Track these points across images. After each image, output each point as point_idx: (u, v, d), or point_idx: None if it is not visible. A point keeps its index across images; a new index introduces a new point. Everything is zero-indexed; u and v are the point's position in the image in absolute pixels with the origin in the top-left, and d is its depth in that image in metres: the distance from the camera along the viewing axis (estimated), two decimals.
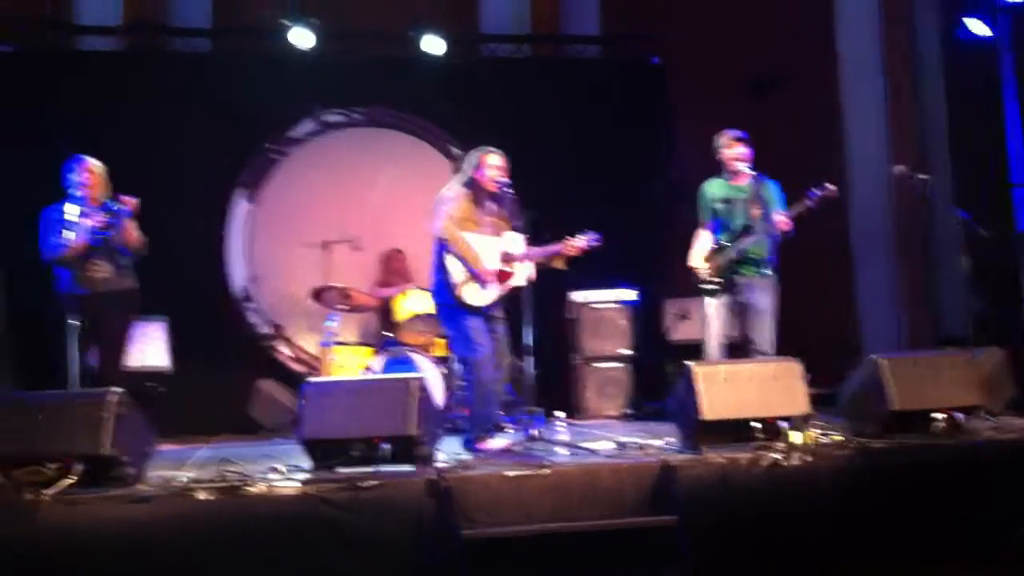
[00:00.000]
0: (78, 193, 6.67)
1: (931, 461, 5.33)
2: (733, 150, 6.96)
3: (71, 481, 4.71)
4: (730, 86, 10.35)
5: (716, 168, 7.13)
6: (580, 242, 6.61)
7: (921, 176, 7.18)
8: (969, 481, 5.28)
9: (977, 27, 9.12)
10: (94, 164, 6.80)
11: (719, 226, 7.04)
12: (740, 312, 6.92)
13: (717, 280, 6.93)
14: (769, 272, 6.83)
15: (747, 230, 6.88)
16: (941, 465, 5.31)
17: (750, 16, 10.56)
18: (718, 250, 6.99)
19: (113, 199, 6.72)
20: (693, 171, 7.30)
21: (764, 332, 6.74)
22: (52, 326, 6.59)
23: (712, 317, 6.94)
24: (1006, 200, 9.11)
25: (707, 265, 6.96)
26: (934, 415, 5.48)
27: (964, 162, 10.01)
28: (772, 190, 6.93)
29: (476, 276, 6.27)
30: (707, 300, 7.00)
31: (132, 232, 6.77)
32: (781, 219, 6.68)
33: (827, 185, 6.64)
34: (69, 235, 6.46)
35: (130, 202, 6.61)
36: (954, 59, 10.11)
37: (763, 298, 6.82)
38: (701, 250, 7.05)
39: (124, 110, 9.20)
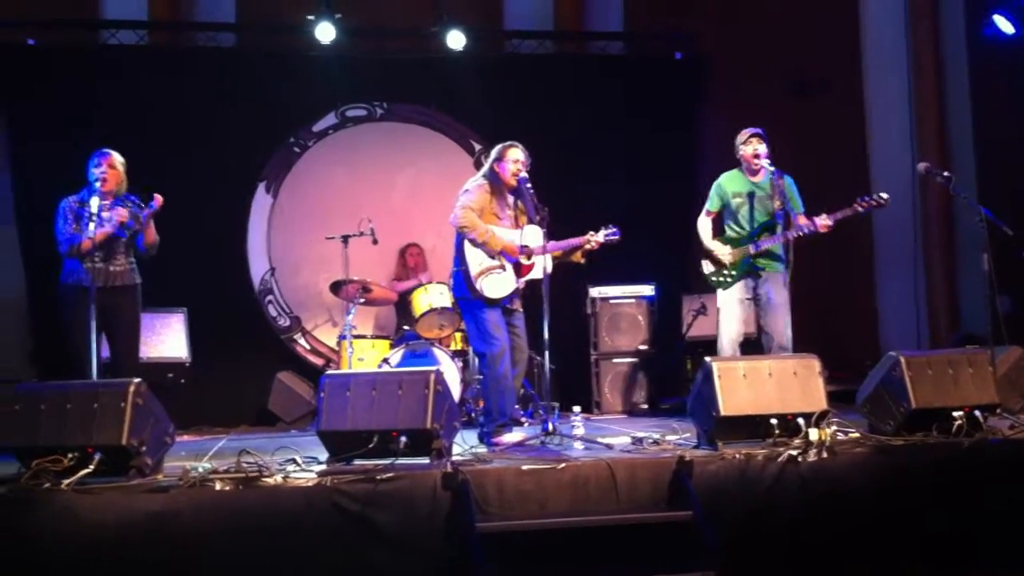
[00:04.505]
0: (98, 186, 6.69)
1: (950, 459, 5.30)
2: (751, 146, 6.98)
3: (89, 471, 4.73)
4: (759, 84, 10.33)
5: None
6: (600, 237, 6.64)
7: (945, 173, 7.14)
8: (988, 480, 5.25)
9: (1003, 24, 9.03)
10: (116, 158, 6.82)
11: (733, 219, 7.08)
12: (757, 306, 6.95)
13: (732, 273, 6.96)
14: (783, 266, 6.84)
15: (767, 226, 6.90)
16: (960, 463, 5.28)
17: (778, 14, 10.53)
18: (733, 242, 7.01)
19: (141, 196, 6.78)
20: (721, 167, 7.30)
21: (781, 325, 6.76)
22: (68, 318, 6.62)
23: (728, 311, 6.96)
24: None
25: (729, 253, 6.98)
26: (953, 413, 5.43)
27: (989, 160, 9.94)
28: (791, 186, 6.94)
29: (501, 255, 6.30)
30: (720, 293, 7.03)
31: (152, 230, 6.82)
32: (824, 222, 6.74)
33: (881, 195, 6.74)
34: (91, 227, 6.47)
35: (158, 200, 6.65)
36: (979, 56, 10.04)
37: (779, 291, 6.84)
38: (712, 237, 7.11)
39: (148, 104, 9.27)
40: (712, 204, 7.18)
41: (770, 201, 6.91)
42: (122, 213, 6.66)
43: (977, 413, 5.48)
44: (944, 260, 10.30)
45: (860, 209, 6.78)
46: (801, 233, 6.77)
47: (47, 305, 7.60)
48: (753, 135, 6.99)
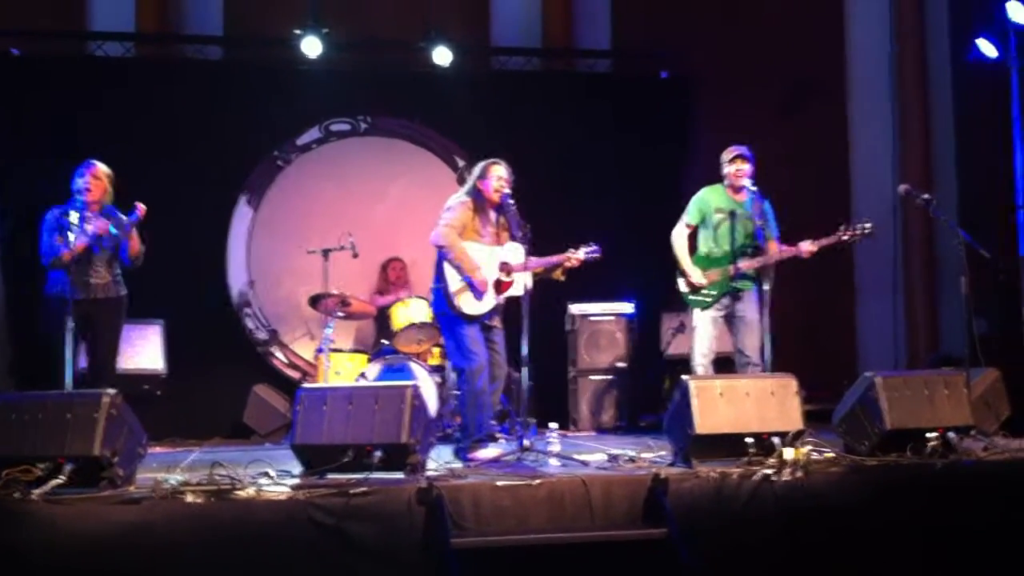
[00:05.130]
0: (80, 197, 6.69)
1: (923, 480, 5.32)
2: (735, 166, 7.00)
3: (60, 481, 4.70)
4: (747, 103, 10.37)
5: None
6: (580, 254, 6.64)
7: (925, 196, 7.20)
8: (961, 501, 5.27)
9: (986, 48, 9.10)
10: (100, 169, 6.81)
11: (711, 236, 7.08)
12: (731, 324, 6.98)
13: (712, 293, 6.97)
14: (755, 285, 6.86)
15: (745, 248, 6.91)
16: (933, 484, 5.30)
17: (767, 34, 10.58)
18: (711, 261, 7.02)
19: (124, 208, 6.76)
20: (709, 185, 7.34)
21: (755, 343, 6.79)
22: (47, 329, 6.59)
23: (702, 329, 6.98)
24: (1010, 222, 9.08)
25: (704, 277, 6.99)
26: (927, 434, 5.45)
27: (970, 183, 10.00)
28: (769, 210, 6.97)
29: (471, 285, 6.28)
30: (696, 312, 7.04)
31: (135, 240, 6.81)
32: (808, 248, 6.79)
33: (866, 225, 6.80)
34: (70, 238, 6.46)
35: (141, 209, 6.63)
36: (963, 80, 10.11)
37: (753, 310, 6.87)
38: (687, 255, 7.11)
39: (133, 116, 9.27)
40: (691, 217, 7.16)
41: (750, 222, 6.93)
42: (101, 225, 6.65)
43: (951, 435, 5.50)
44: (924, 281, 10.34)
45: (845, 238, 6.82)
46: (782, 259, 6.79)
47: (26, 316, 7.58)
48: (738, 155, 7.01)
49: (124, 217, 6.74)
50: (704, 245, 7.12)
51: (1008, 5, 8.58)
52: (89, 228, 6.65)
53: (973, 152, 10.04)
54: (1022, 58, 9.06)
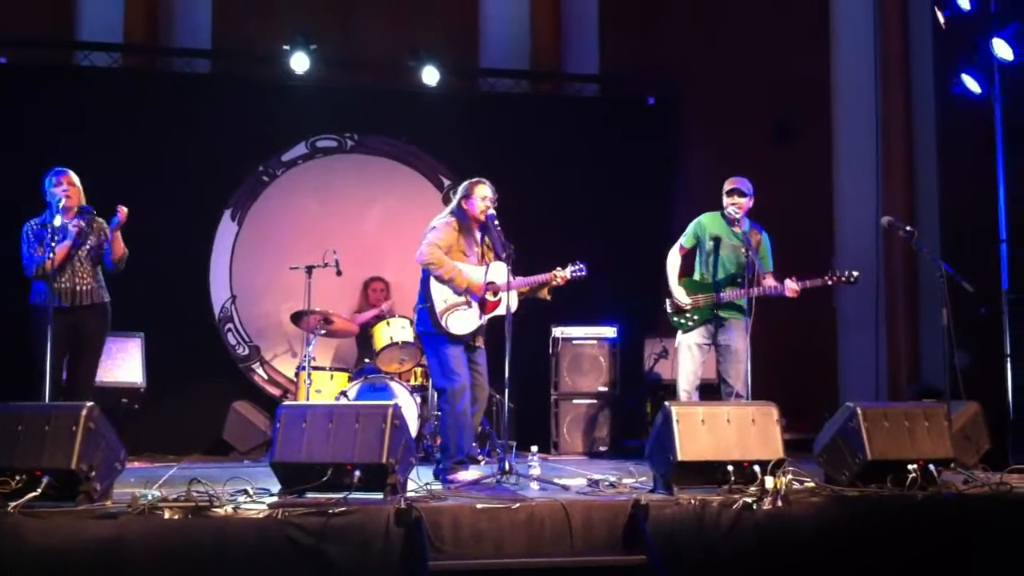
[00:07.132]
0: (60, 204, 6.63)
1: (903, 511, 5.32)
2: (731, 199, 7.02)
3: (36, 494, 4.65)
4: (732, 130, 10.40)
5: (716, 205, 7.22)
6: (567, 273, 6.64)
7: (907, 228, 7.22)
8: (941, 533, 5.27)
9: (970, 83, 9.15)
10: (74, 176, 6.78)
11: (704, 261, 7.11)
12: (715, 352, 6.98)
13: (694, 317, 6.98)
14: (745, 315, 6.87)
15: (735, 277, 6.93)
16: (913, 516, 5.30)
17: (750, 63, 10.62)
18: (699, 286, 7.03)
19: (105, 215, 6.73)
20: (692, 209, 7.35)
21: (739, 373, 6.79)
22: (33, 338, 6.53)
23: (686, 354, 6.99)
24: (993, 256, 9.11)
25: (688, 299, 7.00)
26: (908, 466, 5.45)
27: (953, 216, 10.03)
28: (765, 243, 7.02)
29: (467, 292, 6.28)
30: (680, 335, 7.05)
31: (119, 243, 6.78)
32: (793, 287, 6.83)
33: (853, 273, 6.89)
34: (53, 245, 6.42)
35: (123, 212, 6.62)
36: (948, 114, 10.14)
37: (739, 339, 6.88)
38: (676, 276, 7.14)
39: (119, 127, 9.27)
40: (687, 240, 7.21)
41: (742, 253, 6.94)
42: (77, 223, 6.63)
43: (932, 467, 5.51)
44: (906, 313, 10.36)
45: (829, 282, 6.89)
46: (767, 295, 6.82)
47: (3, 325, 7.52)
48: (734, 189, 7.02)
49: (95, 216, 6.71)
50: (698, 270, 7.17)
51: (993, 41, 8.63)
52: (70, 227, 6.63)
53: (956, 186, 10.06)
54: (1006, 94, 9.10)
